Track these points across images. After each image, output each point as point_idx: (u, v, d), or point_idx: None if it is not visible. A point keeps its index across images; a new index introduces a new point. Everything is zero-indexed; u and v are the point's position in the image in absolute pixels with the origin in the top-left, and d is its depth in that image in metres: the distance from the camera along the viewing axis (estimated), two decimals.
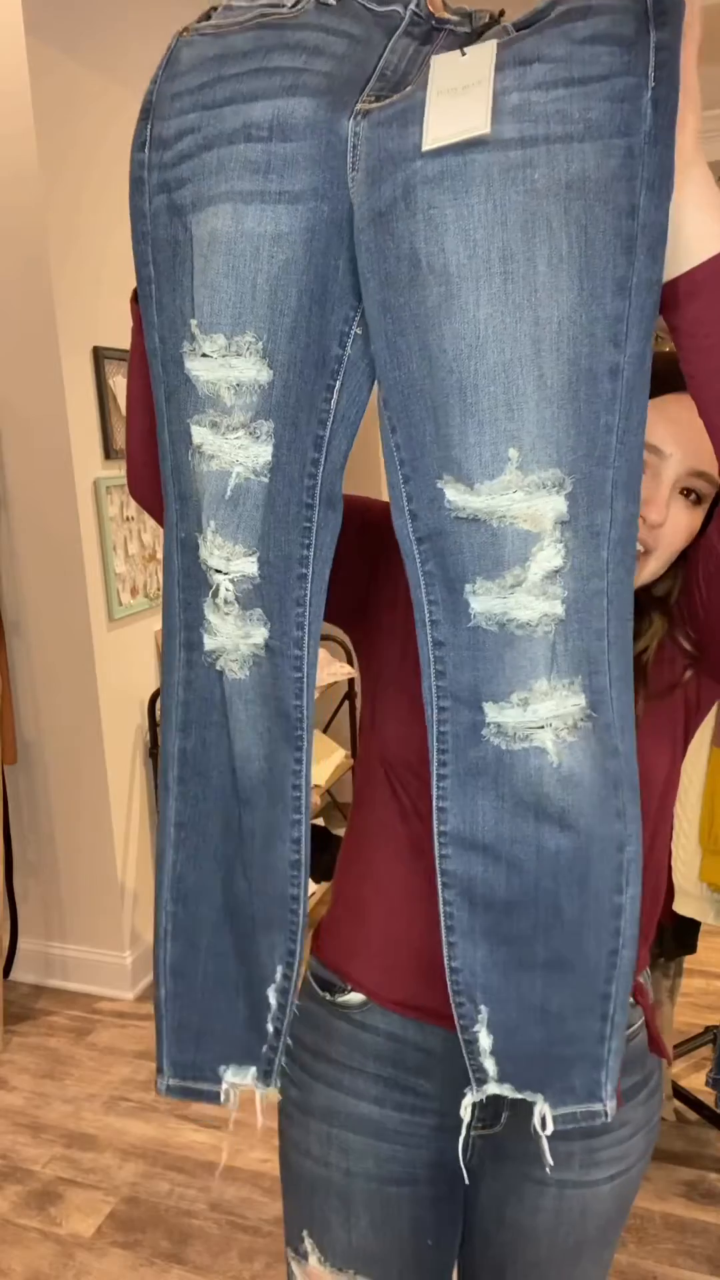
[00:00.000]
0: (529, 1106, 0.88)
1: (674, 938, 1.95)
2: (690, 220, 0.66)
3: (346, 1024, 0.94)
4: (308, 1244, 0.96)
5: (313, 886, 3.00)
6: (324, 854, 3.03)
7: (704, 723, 1.74)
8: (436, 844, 0.77)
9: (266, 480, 0.75)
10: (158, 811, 0.83)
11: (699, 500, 0.86)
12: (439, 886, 0.78)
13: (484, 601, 0.71)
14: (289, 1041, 0.87)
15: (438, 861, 0.78)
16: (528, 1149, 0.93)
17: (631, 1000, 0.94)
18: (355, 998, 0.94)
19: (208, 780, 0.82)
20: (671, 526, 0.86)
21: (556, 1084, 0.80)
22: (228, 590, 0.77)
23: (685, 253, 0.67)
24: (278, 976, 0.82)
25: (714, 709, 1.75)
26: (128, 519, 2.65)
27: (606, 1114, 0.80)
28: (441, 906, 0.78)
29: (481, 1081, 0.81)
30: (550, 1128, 0.80)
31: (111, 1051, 2.55)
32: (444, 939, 0.79)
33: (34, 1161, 2.17)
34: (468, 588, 0.72)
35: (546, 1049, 0.79)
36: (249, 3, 0.74)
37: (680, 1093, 2.21)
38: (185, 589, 0.80)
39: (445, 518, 0.71)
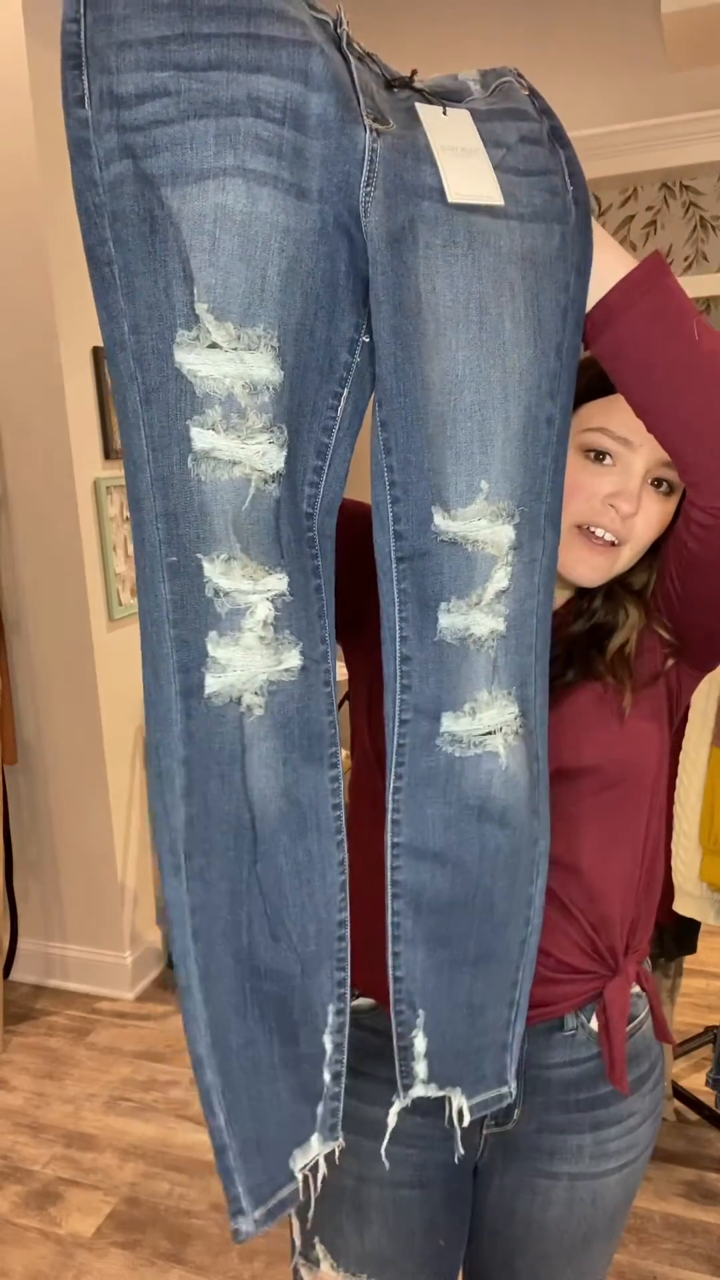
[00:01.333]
0: (536, 1103, 0.89)
1: (674, 938, 1.96)
2: (597, 264, 0.75)
3: (355, 1029, 0.94)
4: (319, 1250, 0.96)
5: None
6: None
7: (704, 723, 1.76)
8: (389, 856, 0.79)
9: (275, 488, 0.69)
10: (163, 899, 0.74)
11: (670, 490, 0.88)
12: (388, 899, 0.79)
13: (451, 618, 0.76)
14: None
15: (389, 873, 0.79)
16: (539, 1144, 0.94)
17: (638, 989, 0.95)
18: (364, 1003, 0.95)
19: (212, 847, 0.71)
20: (644, 517, 0.88)
21: (471, 1076, 0.84)
22: (267, 611, 0.69)
23: (597, 289, 0.75)
24: (329, 1017, 0.76)
25: (716, 709, 1.76)
26: (128, 519, 2.65)
27: (511, 1094, 0.86)
28: (390, 917, 0.79)
29: (409, 1086, 0.82)
30: (467, 1119, 0.84)
31: (111, 1051, 2.55)
32: (389, 949, 0.80)
33: (34, 1161, 2.17)
34: (442, 605, 0.76)
35: (468, 1042, 0.84)
36: None
37: (680, 1093, 2.21)
38: (179, 624, 0.68)
39: (432, 540, 0.75)
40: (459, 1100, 0.84)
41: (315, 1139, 0.77)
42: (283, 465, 0.69)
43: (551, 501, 0.77)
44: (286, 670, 0.72)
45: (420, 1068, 0.82)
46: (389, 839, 0.79)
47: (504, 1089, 0.86)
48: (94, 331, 2.49)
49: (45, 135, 2.31)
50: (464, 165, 0.72)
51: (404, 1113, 0.92)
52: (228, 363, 0.65)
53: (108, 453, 2.57)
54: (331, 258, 0.69)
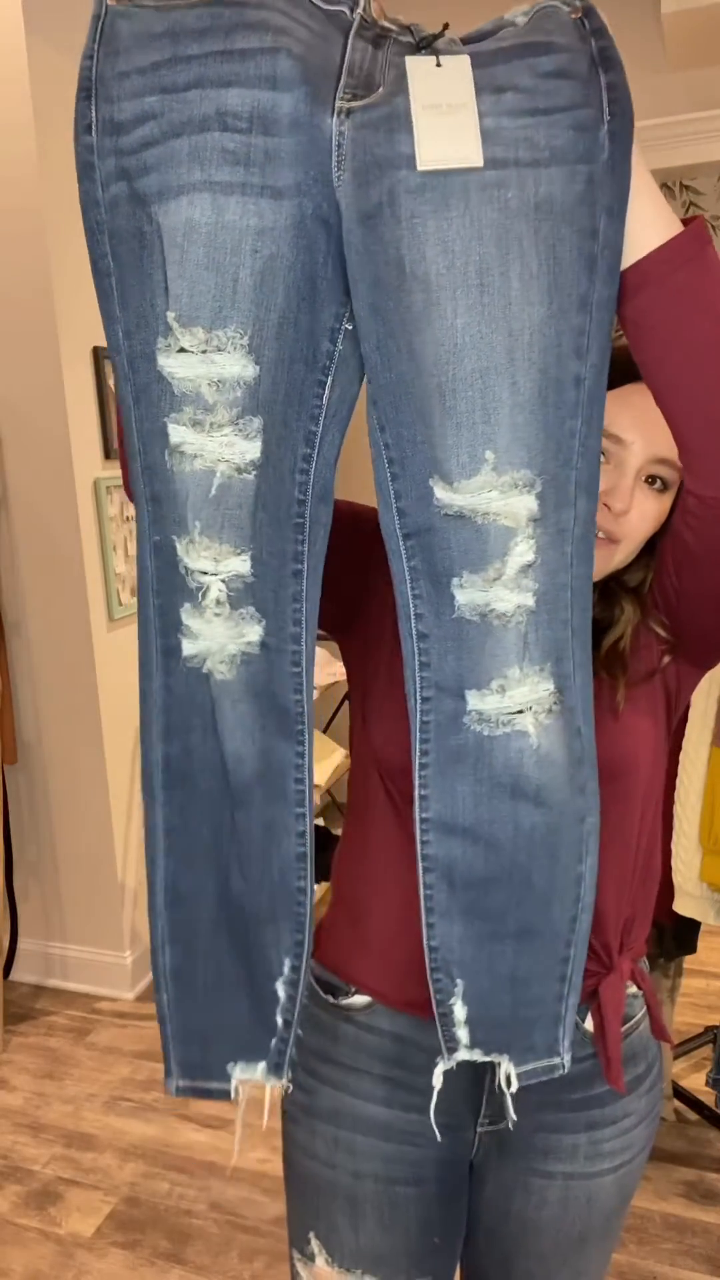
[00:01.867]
0: (530, 1100, 0.89)
1: (674, 938, 1.95)
2: (634, 213, 0.70)
3: (351, 1026, 0.95)
4: (314, 1245, 0.96)
5: None
6: (324, 854, 3.03)
7: (704, 723, 1.75)
8: (418, 830, 0.80)
9: (252, 476, 0.73)
10: (144, 820, 0.81)
11: (665, 487, 0.88)
12: (420, 871, 0.81)
13: (468, 594, 0.75)
14: (299, 1033, 0.87)
15: (419, 847, 0.80)
16: (533, 1143, 0.93)
17: (635, 989, 0.95)
18: (359, 1000, 0.94)
19: (194, 786, 0.80)
20: (638, 514, 0.87)
21: (520, 1044, 0.84)
22: (220, 591, 0.76)
23: (631, 244, 0.70)
24: (285, 969, 0.81)
25: (716, 709, 1.76)
26: (127, 519, 2.65)
27: (564, 1065, 0.85)
28: (421, 890, 0.81)
29: (453, 1050, 0.84)
30: (515, 1085, 0.84)
31: (111, 1051, 2.55)
32: (423, 920, 0.81)
33: (34, 1161, 2.17)
34: (454, 581, 0.75)
35: (513, 1013, 0.83)
36: None
37: (680, 1093, 2.21)
38: (160, 594, 0.77)
39: (434, 514, 0.74)
40: (506, 1067, 0.84)
41: (263, 1067, 0.83)
42: (258, 455, 0.73)
43: (583, 467, 0.73)
44: (249, 644, 0.77)
45: (462, 1034, 0.83)
46: (417, 814, 0.80)
47: (555, 1060, 0.85)
48: (94, 331, 2.49)
49: (45, 135, 2.31)
50: (444, 125, 0.68)
51: (400, 1110, 0.92)
52: (198, 364, 0.71)
53: (107, 453, 2.57)
54: (310, 249, 0.70)
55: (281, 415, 0.73)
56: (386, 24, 0.71)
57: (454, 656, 0.76)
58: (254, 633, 0.77)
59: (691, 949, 1.99)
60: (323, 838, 3.19)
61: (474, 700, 0.77)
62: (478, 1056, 0.84)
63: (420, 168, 0.68)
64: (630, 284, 0.71)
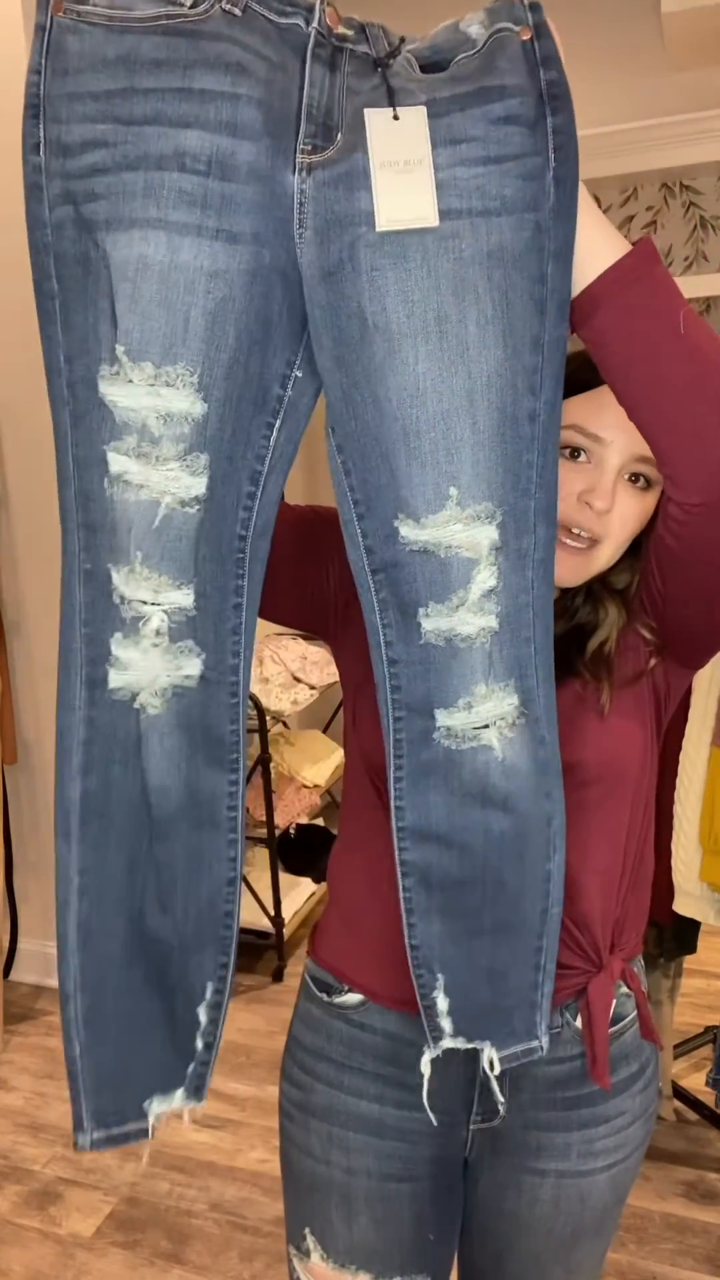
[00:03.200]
0: (522, 1098, 0.91)
1: (674, 938, 1.95)
2: (581, 241, 0.73)
3: (345, 1024, 0.95)
4: (309, 1241, 0.96)
5: (312, 886, 3.01)
6: (324, 854, 3.03)
7: (704, 723, 1.75)
8: (395, 838, 0.83)
9: (195, 511, 0.74)
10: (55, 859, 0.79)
11: (648, 485, 0.88)
12: (398, 875, 0.84)
13: (434, 622, 0.78)
14: (294, 1040, 0.90)
15: (397, 854, 0.83)
16: (525, 1141, 0.94)
17: (626, 990, 0.95)
18: (353, 998, 0.95)
19: (110, 821, 0.78)
20: (619, 513, 0.88)
21: (500, 1030, 0.88)
22: (161, 621, 0.76)
23: (583, 271, 0.73)
24: (208, 993, 0.83)
25: (716, 709, 1.76)
26: None
27: (542, 1048, 0.88)
28: (401, 893, 0.84)
29: (438, 1039, 0.87)
30: (498, 1068, 0.87)
31: None
32: (404, 921, 0.85)
33: (34, 1161, 2.17)
34: (420, 611, 0.78)
35: (492, 1001, 0.87)
36: None
37: (680, 1093, 2.21)
38: (89, 624, 0.75)
39: (400, 550, 0.77)
40: (489, 1052, 0.87)
41: (180, 1093, 0.83)
42: (203, 490, 0.74)
43: (541, 495, 0.77)
44: (186, 677, 0.78)
45: (445, 1024, 0.87)
46: (394, 823, 0.83)
47: (534, 1042, 0.88)
48: None
49: None
50: (401, 183, 0.70)
51: (393, 1107, 0.93)
52: (145, 396, 0.71)
53: None
54: (266, 297, 0.72)
55: (228, 453, 0.75)
56: (343, 31, 0.71)
57: (422, 680, 0.80)
58: (193, 666, 0.78)
59: (691, 949, 1.99)
60: (323, 838, 3.19)
61: (442, 718, 0.80)
62: (461, 1044, 0.87)
63: (379, 228, 0.70)
64: (584, 307, 0.74)
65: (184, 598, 0.76)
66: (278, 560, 0.81)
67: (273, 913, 2.75)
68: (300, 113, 0.70)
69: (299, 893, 2.96)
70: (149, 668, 0.76)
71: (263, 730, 2.68)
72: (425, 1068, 0.89)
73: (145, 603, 0.75)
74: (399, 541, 0.77)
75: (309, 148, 0.70)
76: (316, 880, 3.03)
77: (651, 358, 0.73)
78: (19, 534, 2.58)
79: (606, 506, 0.86)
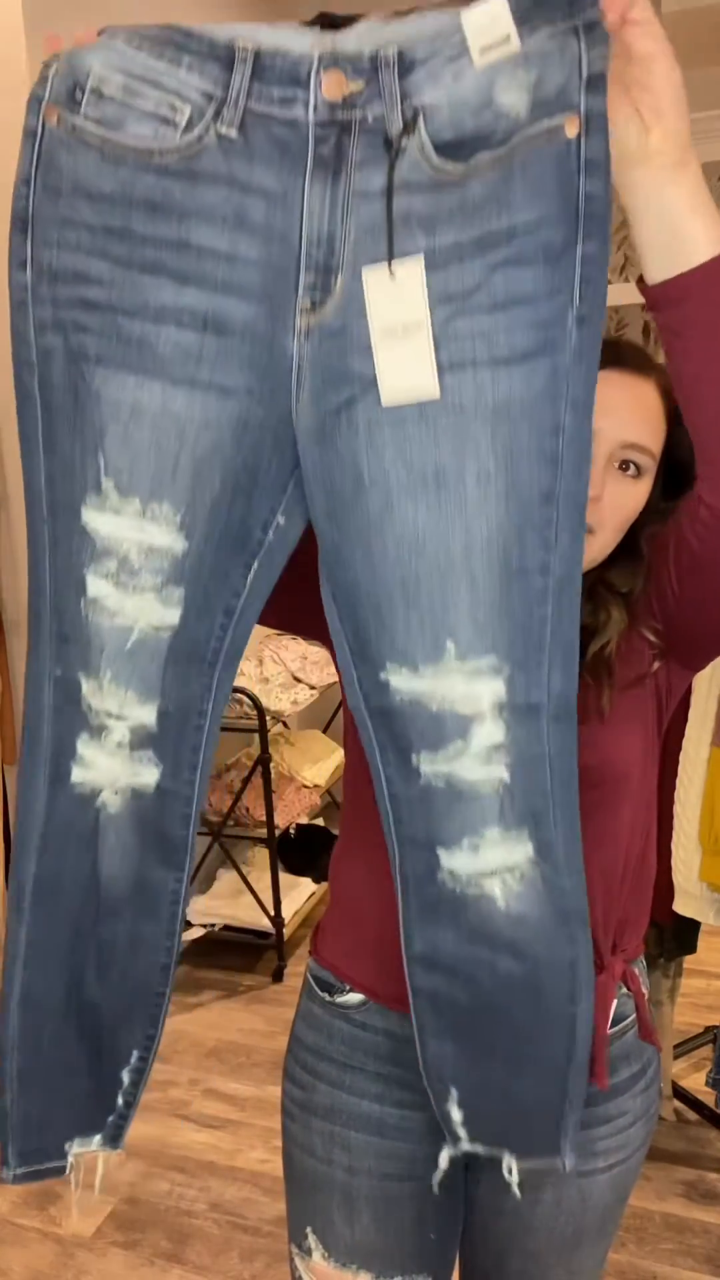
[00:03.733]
0: None
1: (674, 938, 1.95)
2: (684, 225, 0.68)
3: (346, 1024, 0.95)
4: (311, 1240, 0.96)
5: (312, 886, 3.01)
6: (324, 854, 3.03)
7: (704, 723, 1.75)
8: (405, 963, 0.82)
9: (168, 637, 0.76)
10: (5, 931, 0.83)
11: (639, 473, 0.87)
12: (410, 996, 0.83)
13: (431, 767, 0.77)
14: (296, 1040, 0.90)
15: (407, 977, 0.82)
16: None
17: (625, 990, 0.95)
18: (354, 998, 0.95)
19: (59, 899, 0.82)
20: (610, 501, 0.87)
21: (520, 1143, 0.85)
22: (123, 735, 0.78)
23: (676, 256, 0.69)
24: (133, 1059, 0.86)
25: (716, 709, 1.76)
26: None
27: (565, 1166, 0.84)
28: (413, 1012, 0.83)
29: (456, 1141, 0.86)
30: (516, 1176, 0.85)
31: None
32: (416, 1038, 0.83)
33: None
34: (414, 756, 0.77)
35: (510, 1122, 0.85)
36: (125, 85, 0.66)
37: (680, 1093, 2.21)
38: (56, 723, 0.78)
39: (391, 700, 0.76)
40: (509, 1160, 0.86)
41: (99, 1139, 0.87)
42: (177, 620, 0.76)
43: (556, 648, 0.73)
44: (144, 785, 0.80)
45: (461, 1131, 0.86)
46: (404, 948, 0.82)
47: (556, 1160, 0.85)
48: None
49: None
50: (401, 353, 0.67)
51: (394, 1106, 0.93)
52: (129, 529, 0.72)
53: None
54: (255, 448, 0.72)
55: (204, 589, 0.75)
56: (349, 91, 0.66)
57: (424, 819, 0.78)
58: (150, 775, 0.79)
59: (691, 949, 1.99)
60: (323, 838, 3.19)
61: (445, 858, 0.78)
62: (479, 1149, 0.86)
63: (385, 404, 0.69)
64: (672, 294, 0.70)
65: (147, 715, 0.77)
66: (298, 579, 0.79)
67: (273, 913, 2.75)
68: (300, 259, 0.68)
69: (299, 893, 2.96)
70: (110, 769, 0.79)
71: (263, 730, 2.68)
72: (443, 1162, 0.89)
73: (110, 714, 0.77)
74: (390, 691, 0.76)
75: (308, 304, 0.69)
76: (316, 880, 3.03)
77: None
78: (19, 534, 2.57)
79: (597, 493, 0.85)
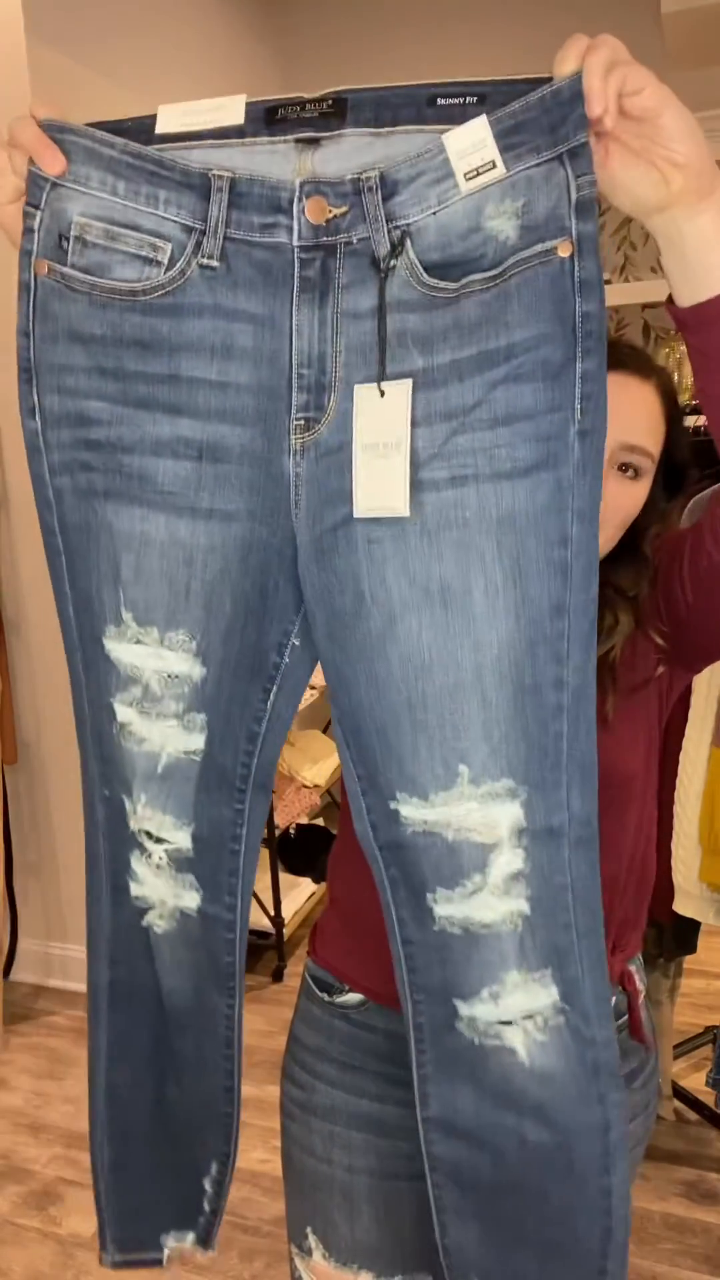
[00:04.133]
0: None
1: (674, 938, 1.95)
2: (712, 253, 0.66)
3: (346, 1024, 0.95)
4: (311, 1240, 0.97)
5: (312, 887, 3.01)
6: (324, 854, 3.03)
7: (704, 723, 1.75)
8: (421, 1128, 0.79)
9: (197, 762, 0.78)
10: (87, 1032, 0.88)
11: (637, 475, 0.88)
12: (426, 1169, 0.80)
13: (446, 908, 0.74)
14: (295, 1040, 0.91)
15: (423, 1145, 0.79)
16: None
17: (620, 987, 0.95)
18: (353, 997, 0.95)
19: (135, 1005, 0.86)
20: (609, 502, 0.86)
21: None
22: (162, 858, 0.80)
23: (704, 281, 0.67)
24: (212, 1170, 0.89)
25: (716, 709, 1.76)
26: None
27: None
28: (430, 1188, 0.80)
29: None
30: None
31: None
32: (434, 1217, 0.81)
33: (34, 1161, 2.17)
34: (429, 896, 0.74)
35: None
36: (106, 231, 0.68)
37: (680, 1093, 2.21)
38: (109, 838, 0.81)
39: (402, 832, 0.73)
40: None
41: (191, 1238, 0.92)
42: (202, 745, 0.77)
43: (573, 766, 0.70)
44: (188, 907, 0.82)
45: None
46: (419, 1110, 0.79)
47: None
48: None
49: None
50: (377, 469, 0.67)
51: (394, 1105, 0.93)
52: (149, 656, 0.74)
53: None
54: (262, 570, 0.72)
55: (225, 714, 0.76)
56: (333, 214, 0.66)
57: (439, 968, 0.76)
58: (192, 899, 0.82)
59: (691, 949, 1.99)
60: (323, 838, 3.19)
61: (463, 1008, 0.75)
62: None
63: (356, 515, 0.69)
64: (706, 316, 0.68)
65: (183, 839, 0.79)
66: None
67: (273, 913, 2.75)
68: (291, 379, 0.69)
69: (299, 893, 2.96)
70: (159, 887, 0.82)
71: None
72: None
73: (150, 836, 0.80)
74: (400, 822, 0.73)
75: (301, 423, 0.69)
76: (316, 880, 3.03)
77: None
78: (19, 534, 2.58)
79: None
